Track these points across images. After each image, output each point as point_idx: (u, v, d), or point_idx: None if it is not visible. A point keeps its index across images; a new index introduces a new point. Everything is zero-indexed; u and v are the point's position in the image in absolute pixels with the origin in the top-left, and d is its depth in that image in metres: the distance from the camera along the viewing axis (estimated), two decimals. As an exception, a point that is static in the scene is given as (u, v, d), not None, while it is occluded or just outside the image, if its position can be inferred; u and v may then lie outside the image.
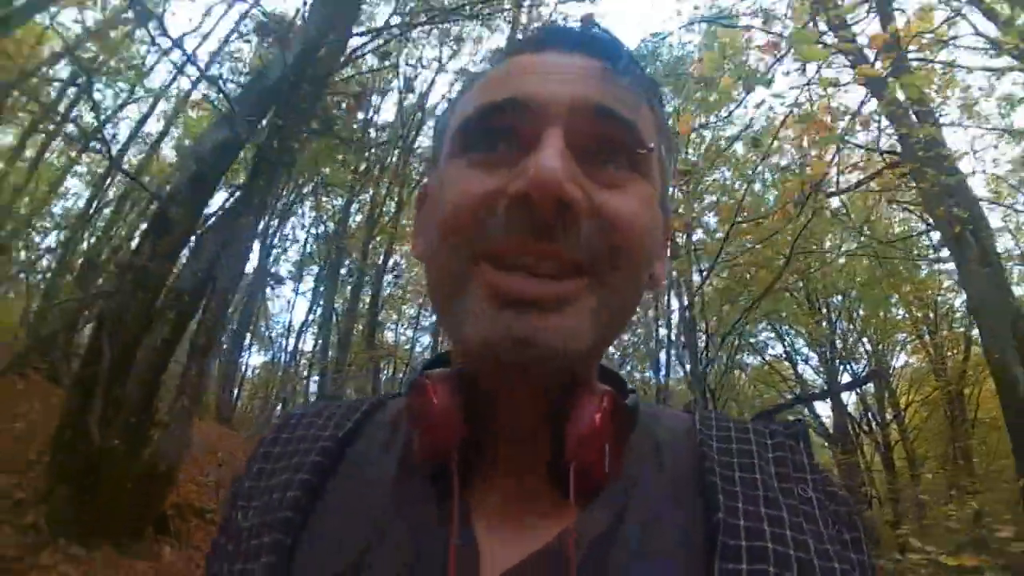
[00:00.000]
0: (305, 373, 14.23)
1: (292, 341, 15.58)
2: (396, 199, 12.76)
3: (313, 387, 13.41)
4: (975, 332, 9.43)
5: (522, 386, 0.45)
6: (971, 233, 6.04)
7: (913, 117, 5.84)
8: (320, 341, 13.77)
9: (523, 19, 10.49)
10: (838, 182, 7.09)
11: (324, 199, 13.83)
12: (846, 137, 6.33)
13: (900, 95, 5.09)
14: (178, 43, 5.53)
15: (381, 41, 8.58)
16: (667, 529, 0.43)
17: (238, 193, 5.36)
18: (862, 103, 6.38)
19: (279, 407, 12.89)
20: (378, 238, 12.86)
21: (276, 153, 5.16)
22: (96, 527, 3.86)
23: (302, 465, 0.49)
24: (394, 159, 12.93)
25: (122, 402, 4.04)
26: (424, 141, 13.27)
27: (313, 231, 15.06)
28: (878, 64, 5.03)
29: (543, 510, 0.44)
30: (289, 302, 13.85)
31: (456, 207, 0.43)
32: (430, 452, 0.45)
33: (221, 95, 4.89)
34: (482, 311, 0.41)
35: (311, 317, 14.67)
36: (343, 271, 13.47)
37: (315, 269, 14.97)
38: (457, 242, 0.43)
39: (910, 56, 5.58)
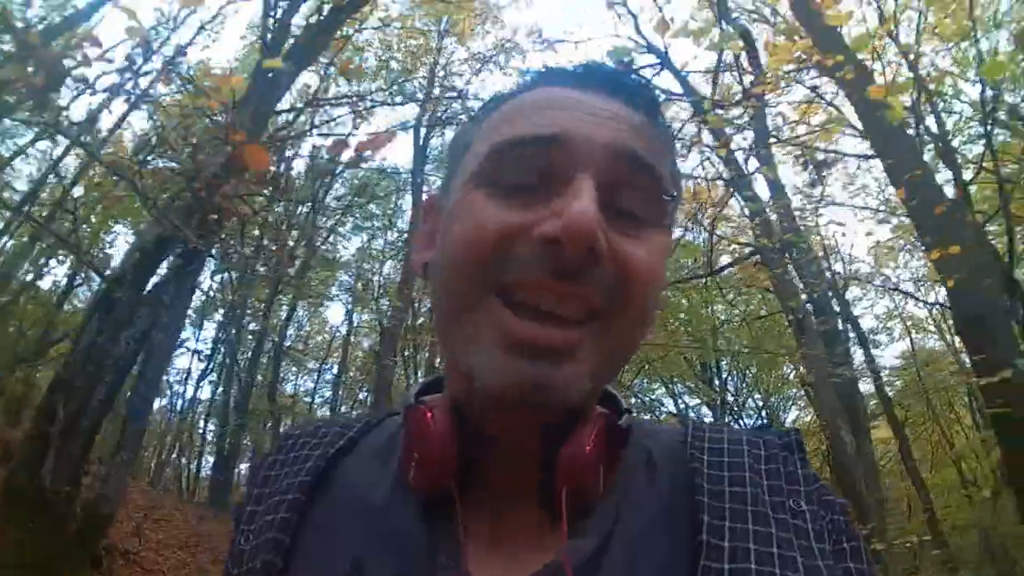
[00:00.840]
0: (201, 422, 14.35)
1: (191, 389, 15.50)
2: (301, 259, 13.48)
3: (210, 436, 13.56)
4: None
5: (527, 424, 0.45)
6: (816, 312, 7.15)
7: (772, 216, 7.15)
8: (220, 390, 13.99)
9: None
10: (710, 263, 8.16)
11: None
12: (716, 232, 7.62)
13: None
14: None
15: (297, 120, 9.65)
16: (655, 551, 0.43)
17: (169, 271, 6.27)
18: (725, 198, 7.86)
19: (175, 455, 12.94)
20: (283, 294, 13.45)
21: (202, 240, 6.10)
22: (42, 567, 4.60)
23: (292, 486, 0.50)
24: (303, 217, 13.68)
25: (70, 455, 4.85)
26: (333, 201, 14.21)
27: (217, 278, 15.21)
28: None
29: (534, 535, 0.45)
30: (189, 349, 13.92)
31: (477, 237, 0.43)
32: (426, 480, 0.45)
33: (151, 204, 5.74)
34: (496, 357, 0.41)
35: (211, 365, 14.81)
36: (246, 320, 13.87)
37: (217, 317, 15.11)
38: (472, 272, 0.43)
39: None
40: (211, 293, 15.09)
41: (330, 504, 0.50)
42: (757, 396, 15.22)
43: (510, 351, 0.41)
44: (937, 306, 10.77)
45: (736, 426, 0.57)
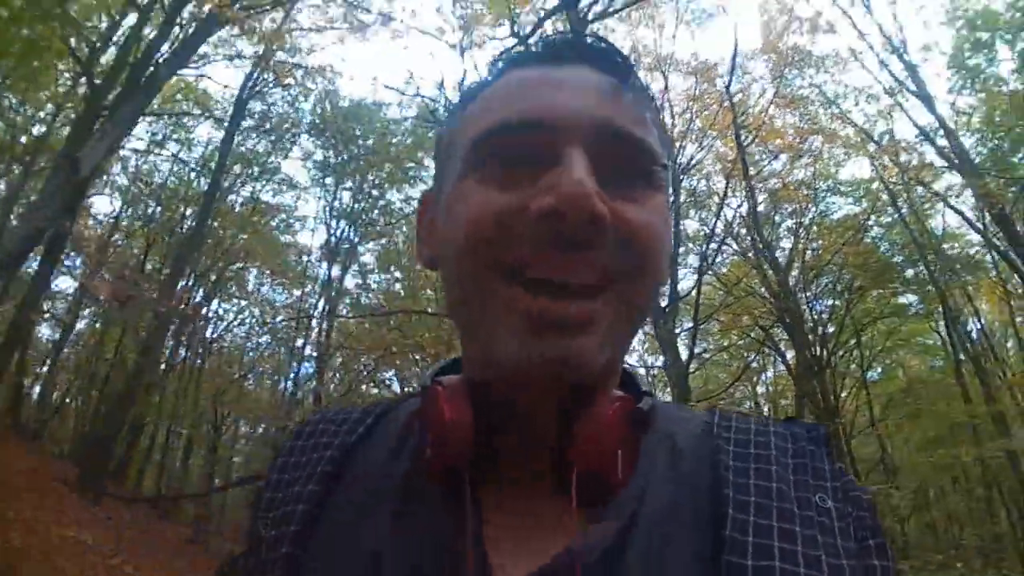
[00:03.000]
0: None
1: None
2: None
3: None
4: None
5: (548, 398, 0.45)
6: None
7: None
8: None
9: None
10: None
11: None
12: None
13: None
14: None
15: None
16: (677, 542, 0.43)
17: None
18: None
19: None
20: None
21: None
22: None
23: (312, 476, 0.51)
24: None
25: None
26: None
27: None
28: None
29: (553, 518, 0.45)
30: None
31: (477, 222, 0.43)
32: (442, 462, 0.45)
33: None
34: (514, 336, 0.42)
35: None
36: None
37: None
38: (479, 256, 0.43)
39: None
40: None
41: (348, 494, 0.50)
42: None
43: (526, 329, 0.41)
44: None
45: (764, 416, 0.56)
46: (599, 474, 0.43)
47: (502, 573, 0.43)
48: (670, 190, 0.50)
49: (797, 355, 12.47)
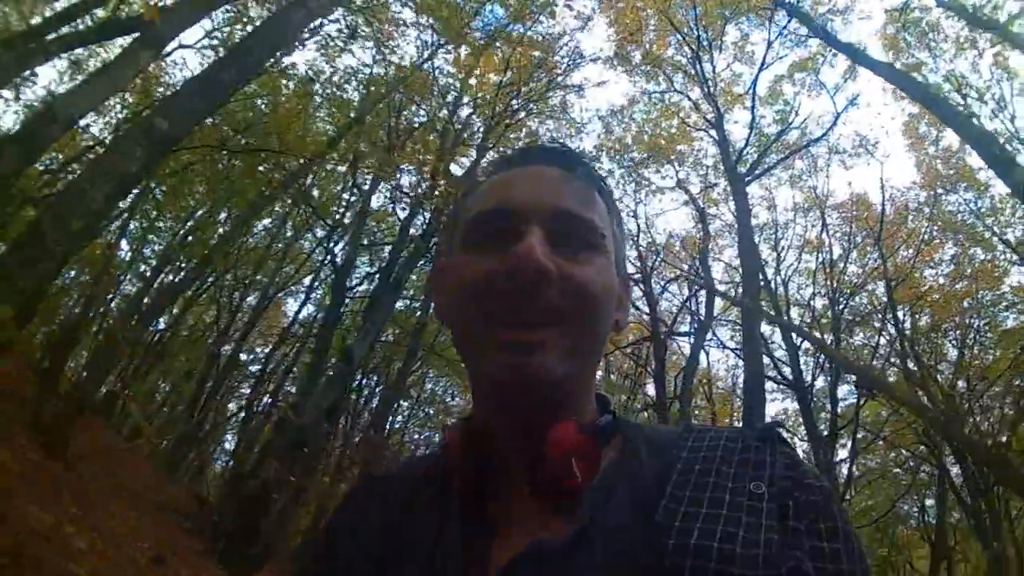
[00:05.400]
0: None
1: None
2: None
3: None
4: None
5: (518, 405, 0.57)
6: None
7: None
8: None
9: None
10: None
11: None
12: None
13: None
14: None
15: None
16: (626, 537, 0.51)
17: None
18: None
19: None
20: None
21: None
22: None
23: (370, 536, 0.63)
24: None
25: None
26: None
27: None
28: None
29: (540, 520, 0.54)
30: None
31: (469, 284, 0.58)
32: (456, 482, 0.60)
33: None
34: (493, 357, 0.55)
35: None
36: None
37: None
38: (472, 307, 0.58)
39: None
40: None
41: (398, 544, 0.61)
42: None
43: (500, 350, 0.55)
44: None
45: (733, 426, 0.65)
46: (558, 479, 0.53)
47: (496, 564, 0.53)
48: (612, 250, 0.63)
49: (962, 470, 12.25)
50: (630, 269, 2.01)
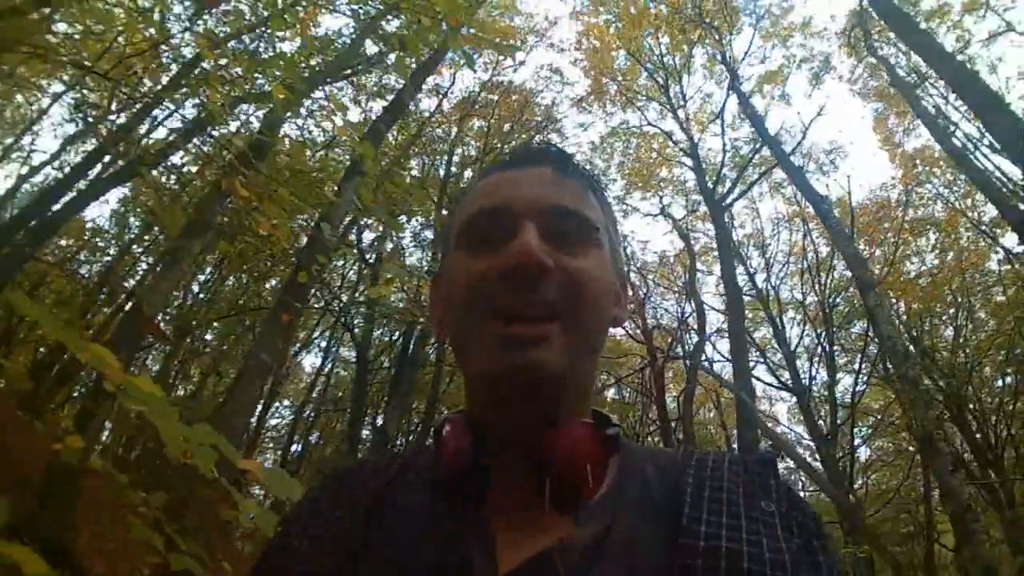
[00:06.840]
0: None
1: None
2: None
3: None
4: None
5: (517, 400, 0.56)
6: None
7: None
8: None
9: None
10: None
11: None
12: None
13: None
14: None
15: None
16: (646, 544, 0.52)
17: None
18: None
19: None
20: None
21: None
22: None
23: (354, 509, 0.61)
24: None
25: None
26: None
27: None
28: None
29: (544, 522, 0.53)
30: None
31: (465, 284, 0.58)
32: (450, 482, 0.57)
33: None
34: (492, 354, 0.55)
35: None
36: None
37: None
38: (469, 304, 0.57)
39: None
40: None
41: (382, 531, 0.58)
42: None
43: (500, 346, 0.54)
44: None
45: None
46: (570, 481, 0.53)
47: (501, 565, 0.51)
48: (608, 245, 0.64)
49: (969, 444, 12.28)
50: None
